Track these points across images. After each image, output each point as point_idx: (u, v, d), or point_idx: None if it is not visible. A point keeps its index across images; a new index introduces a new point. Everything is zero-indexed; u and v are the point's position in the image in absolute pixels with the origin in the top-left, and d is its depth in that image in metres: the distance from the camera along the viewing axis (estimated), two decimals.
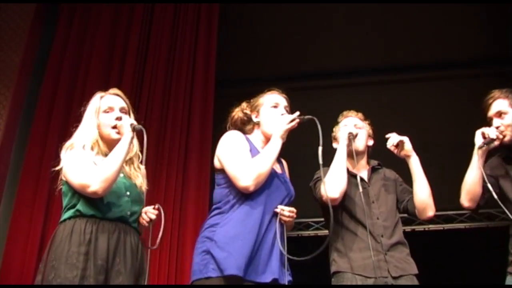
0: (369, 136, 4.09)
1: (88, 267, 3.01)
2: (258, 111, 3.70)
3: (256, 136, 3.68)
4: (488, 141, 3.64)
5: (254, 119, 3.70)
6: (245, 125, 3.76)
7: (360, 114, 4.14)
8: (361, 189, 3.83)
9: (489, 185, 3.55)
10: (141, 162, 3.42)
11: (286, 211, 3.40)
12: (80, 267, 3.00)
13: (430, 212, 3.81)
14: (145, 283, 3.24)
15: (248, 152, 3.47)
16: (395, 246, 3.74)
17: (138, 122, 3.33)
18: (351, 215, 3.81)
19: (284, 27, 7.01)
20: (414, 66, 7.53)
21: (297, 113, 3.50)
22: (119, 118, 3.36)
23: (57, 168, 3.31)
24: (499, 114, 3.73)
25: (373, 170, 4.02)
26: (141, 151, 3.43)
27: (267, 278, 3.27)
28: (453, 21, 6.99)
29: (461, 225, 8.27)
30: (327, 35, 7.11)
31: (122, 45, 5.96)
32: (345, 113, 4.17)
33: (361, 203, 3.78)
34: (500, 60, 7.39)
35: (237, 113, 3.79)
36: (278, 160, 3.66)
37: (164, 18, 6.10)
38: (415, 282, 3.68)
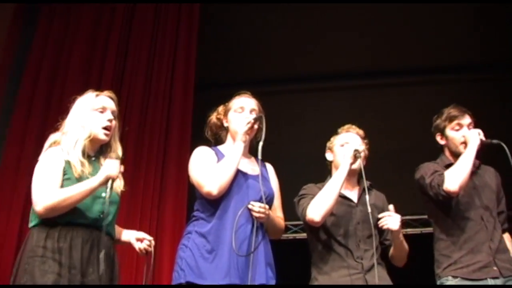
0: (364, 157, 3.96)
1: (62, 276, 3.00)
2: (227, 116, 3.73)
3: (229, 143, 3.69)
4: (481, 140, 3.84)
5: (225, 124, 3.74)
6: (220, 131, 3.81)
7: (361, 132, 4.03)
8: (348, 210, 3.82)
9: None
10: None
11: (256, 207, 3.41)
12: (55, 272, 2.99)
13: (400, 265, 3.90)
14: None
15: (214, 162, 3.52)
16: (375, 267, 3.68)
17: (122, 128, 3.39)
18: (334, 234, 3.76)
19: (267, 30, 7.01)
20: (397, 70, 7.56)
21: (253, 115, 3.56)
22: (110, 121, 3.35)
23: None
24: (469, 126, 3.96)
25: (363, 192, 3.89)
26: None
27: (251, 282, 3.29)
28: (438, 27, 7.02)
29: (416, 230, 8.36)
30: (309, 38, 7.12)
31: (102, 46, 5.93)
32: (346, 127, 4.05)
33: (346, 224, 3.78)
34: (482, 66, 7.46)
35: (212, 118, 3.83)
36: (262, 163, 3.66)
37: (145, 18, 6.07)
38: None
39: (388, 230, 3.78)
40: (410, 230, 8.21)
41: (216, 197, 3.39)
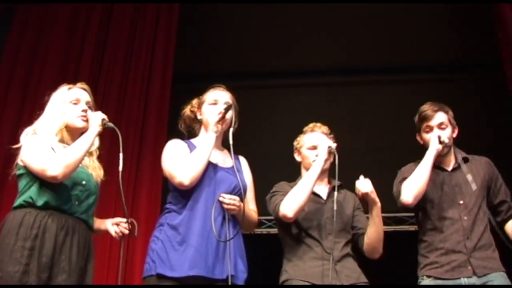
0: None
1: (31, 263, 3.02)
2: (200, 109, 3.75)
3: (202, 136, 3.72)
4: (443, 142, 3.85)
5: (198, 117, 3.76)
6: (194, 123, 3.83)
7: (326, 130, 4.06)
8: (317, 206, 3.86)
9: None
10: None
11: (227, 199, 3.44)
12: (23, 263, 3.00)
13: (376, 255, 3.89)
14: (90, 282, 3.26)
15: (187, 154, 3.54)
16: (345, 258, 3.78)
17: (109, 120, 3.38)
18: (305, 229, 3.81)
19: (245, 26, 6.99)
20: (373, 68, 7.58)
21: (224, 106, 3.58)
22: (85, 111, 3.40)
23: (15, 146, 3.34)
24: (441, 126, 3.95)
25: (334, 189, 3.90)
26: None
27: (222, 275, 3.32)
28: (414, 26, 7.05)
29: (411, 227, 8.40)
30: (286, 35, 7.12)
31: (80, 38, 5.86)
32: (311, 125, 4.08)
33: (315, 218, 3.82)
34: (458, 66, 7.51)
35: (186, 111, 3.85)
36: (236, 156, 3.70)
37: (125, 13, 6.02)
38: None
39: (358, 220, 3.90)
40: (384, 228, 8.23)
41: (188, 187, 3.41)
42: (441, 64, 7.51)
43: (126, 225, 3.49)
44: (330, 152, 3.76)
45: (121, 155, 3.34)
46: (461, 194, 3.90)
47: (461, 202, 3.87)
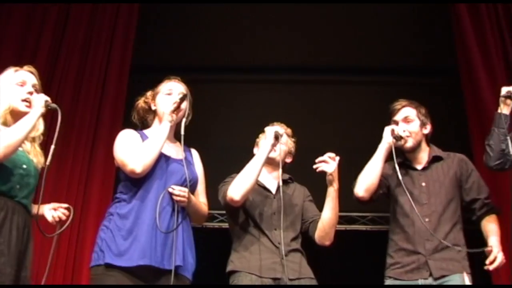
0: (289, 152, 4.08)
1: None
2: (155, 100, 3.75)
3: (155, 126, 3.72)
4: (397, 136, 3.91)
5: (153, 108, 3.76)
6: (147, 115, 3.82)
7: (289, 131, 4.10)
8: (266, 200, 3.91)
9: (399, 175, 3.78)
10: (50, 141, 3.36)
11: (176, 190, 3.44)
12: None
13: (328, 242, 3.92)
14: (29, 266, 3.24)
15: (139, 143, 3.54)
16: (293, 252, 3.82)
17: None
18: (254, 221, 3.85)
19: (206, 19, 6.95)
20: (332, 68, 7.60)
21: (180, 95, 3.58)
22: (30, 93, 3.38)
23: None
24: (406, 120, 4.02)
25: (283, 183, 4.00)
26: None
27: (170, 265, 3.30)
28: (383, 28, 7.06)
29: (362, 227, 8.48)
30: (250, 30, 7.10)
31: (39, 26, 5.72)
32: (274, 125, 4.10)
33: (264, 212, 3.87)
34: (426, 70, 7.58)
35: (140, 103, 3.84)
36: (187, 148, 3.75)
37: (84, 4, 5.91)
38: (314, 283, 3.79)
39: (309, 209, 3.95)
40: (349, 227, 8.31)
41: (140, 175, 3.41)
42: (405, 66, 7.56)
43: (64, 211, 3.49)
44: (276, 137, 3.78)
45: (52, 147, 3.28)
46: (427, 193, 3.95)
47: (426, 202, 3.91)
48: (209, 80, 7.49)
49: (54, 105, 3.33)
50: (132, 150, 3.46)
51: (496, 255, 3.71)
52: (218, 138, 7.66)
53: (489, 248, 3.76)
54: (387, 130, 3.95)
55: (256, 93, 7.60)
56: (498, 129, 3.82)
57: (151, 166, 3.42)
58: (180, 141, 3.55)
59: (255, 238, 3.81)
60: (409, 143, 4.00)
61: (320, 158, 3.76)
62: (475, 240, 3.93)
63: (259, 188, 3.94)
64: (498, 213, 4.02)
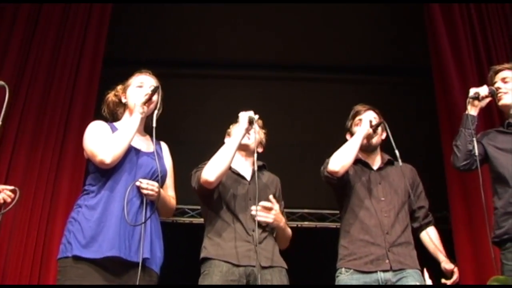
0: (260, 142, 4.11)
1: None
2: (125, 93, 3.74)
3: (126, 119, 3.71)
4: (373, 126, 4.05)
5: (123, 101, 3.74)
6: (117, 108, 3.80)
7: (259, 121, 4.11)
8: (240, 187, 3.91)
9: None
10: None
11: (144, 184, 3.43)
12: None
13: (282, 247, 3.98)
14: None
15: (109, 134, 3.53)
16: (266, 240, 3.83)
17: None
18: (228, 208, 3.85)
19: (181, 14, 6.92)
20: (306, 66, 7.62)
21: (152, 87, 3.58)
22: None
23: None
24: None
25: (258, 169, 3.99)
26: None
27: (138, 258, 3.30)
28: (357, 27, 7.11)
29: (332, 224, 8.52)
30: (224, 26, 7.10)
31: (10, 17, 5.66)
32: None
33: (238, 199, 3.87)
34: (394, 70, 7.63)
35: (110, 96, 3.82)
36: (157, 141, 3.72)
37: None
38: (284, 273, 3.80)
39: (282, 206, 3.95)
40: (306, 224, 8.34)
41: (110, 166, 3.39)
42: (378, 65, 7.60)
43: (9, 193, 3.48)
44: (250, 121, 3.79)
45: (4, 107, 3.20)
46: (383, 192, 4.04)
47: (383, 199, 4.00)
48: (182, 75, 7.48)
49: (1, 82, 3.27)
50: (102, 141, 3.44)
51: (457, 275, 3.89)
52: (190, 133, 7.63)
53: (451, 269, 3.90)
54: (367, 119, 4.07)
55: (229, 89, 7.60)
56: (466, 130, 3.87)
57: (120, 157, 3.41)
58: (150, 135, 3.55)
59: (229, 225, 3.81)
60: (375, 139, 4.13)
61: (262, 204, 3.78)
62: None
63: (233, 174, 3.95)
64: (433, 224, 4.19)
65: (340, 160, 3.91)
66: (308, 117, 7.80)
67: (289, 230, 4.00)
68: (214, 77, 7.52)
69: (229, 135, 4.10)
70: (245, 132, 3.80)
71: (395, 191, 4.06)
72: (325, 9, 6.82)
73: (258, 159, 4.05)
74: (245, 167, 4.02)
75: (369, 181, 4.06)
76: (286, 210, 4.13)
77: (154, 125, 3.48)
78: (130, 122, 3.52)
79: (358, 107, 4.23)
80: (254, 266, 3.65)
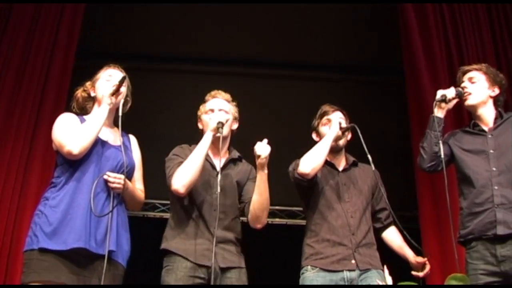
0: (234, 119, 4.09)
1: None
2: (94, 86, 3.74)
3: (95, 111, 3.70)
4: (343, 128, 4.10)
5: (92, 94, 3.75)
6: (86, 103, 3.81)
7: (227, 95, 4.13)
8: (210, 178, 3.89)
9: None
10: None
11: (111, 177, 3.44)
12: None
13: (259, 225, 3.95)
14: None
15: (77, 125, 3.54)
16: (227, 241, 3.83)
17: None
18: (195, 202, 3.84)
19: (159, 8, 6.87)
20: (280, 63, 7.63)
21: (120, 78, 3.60)
22: None
23: None
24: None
25: (231, 161, 4.03)
26: None
27: (104, 250, 3.31)
28: (328, 25, 7.12)
29: (303, 222, 8.53)
30: (199, 21, 7.07)
31: None
32: (213, 93, 4.14)
33: (206, 191, 3.86)
34: (368, 69, 7.66)
35: (79, 92, 3.83)
36: (126, 134, 3.76)
37: None
38: (244, 273, 3.82)
39: (248, 190, 3.93)
40: (276, 220, 8.35)
41: (77, 157, 3.40)
42: (353, 64, 7.63)
43: None
44: (217, 129, 3.78)
45: None
46: (348, 193, 4.09)
47: (348, 200, 4.05)
48: (158, 69, 7.47)
49: None
50: (70, 132, 3.45)
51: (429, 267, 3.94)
52: (165, 128, 7.60)
53: (423, 261, 3.95)
54: (336, 121, 4.09)
55: (205, 84, 7.54)
56: (432, 132, 3.94)
57: (88, 148, 3.42)
58: (118, 127, 3.56)
59: (193, 222, 3.80)
60: (343, 142, 4.18)
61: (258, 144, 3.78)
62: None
63: (206, 163, 3.89)
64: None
65: (311, 163, 3.94)
66: (284, 115, 7.80)
67: (268, 197, 3.88)
68: (190, 72, 7.50)
69: (199, 118, 4.08)
70: (212, 138, 3.80)
71: (359, 192, 4.11)
72: (302, 8, 6.83)
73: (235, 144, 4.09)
74: (219, 155, 3.85)
75: (335, 183, 4.10)
76: None
77: (120, 113, 3.52)
78: (98, 113, 3.54)
79: (326, 107, 4.25)
80: (210, 267, 3.60)
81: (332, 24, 7.10)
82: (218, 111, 3.98)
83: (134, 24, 7.06)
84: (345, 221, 3.96)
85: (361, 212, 4.04)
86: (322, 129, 4.18)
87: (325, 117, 4.20)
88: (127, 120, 3.65)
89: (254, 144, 3.79)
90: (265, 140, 3.78)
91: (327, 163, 4.13)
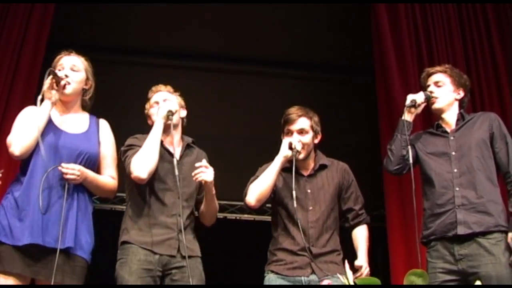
0: (181, 106, 4.08)
1: None
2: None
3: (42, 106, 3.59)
4: (294, 149, 3.94)
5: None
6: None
7: (169, 87, 4.12)
8: (171, 166, 3.80)
9: (293, 185, 3.85)
10: None
11: (64, 168, 3.40)
12: None
13: (208, 224, 4.05)
14: None
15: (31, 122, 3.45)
16: (188, 228, 3.85)
17: None
18: (155, 190, 3.82)
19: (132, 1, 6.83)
20: (250, 59, 7.60)
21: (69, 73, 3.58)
22: None
23: None
24: (301, 131, 4.05)
25: (187, 147, 4.02)
26: None
27: (62, 244, 3.31)
28: (301, 23, 7.13)
29: (268, 218, 8.54)
30: (169, 15, 7.03)
31: None
32: (154, 88, 4.14)
33: (166, 179, 3.83)
34: (338, 67, 7.67)
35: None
36: (95, 119, 3.74)
37: None
38: (199, 262, 3.83)
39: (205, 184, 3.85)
40: (245, 216, 8.33)
41: (20, 158, 3.42)
42: (322, 63, 7.63)
43: None
44: (168, 117, 3.80)
45: None
46: (312, 200, 4.05)
47: (311, 208, 4.02)
48: (127, 62, 7.40)
49: None
50: (17, 131, 3.43)
51: (362, 272, 3.90)
52: (134, 121, 7.56)
53: (358, 265, 3.94)
54: (286, 143, 3.99)
55: (172, 79, 7.51)
56: (401, 135, 3.97)
57: (30, 147, 3.39)
58: (89, 113, 3.61)
59: (152, 210, 3.76)
60: (302, 155, 4.02)
61: (197, 170, 3.75)
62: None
63: (164, 151, 3.88)
64: (368, 222, 4.22)
65: (256, 195, 3.93)
66: (252, 111, 7.79)
67: (217, 203, 3.97)
68: (158, 66, 7.44)
69: (147, 116, 4.08)
70: (163, 126, 3.80)
71: (324, 198, 4.06)
72: (273, 6, 6.81)
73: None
74: (176, 144, 3.89)
75: (297, 190, 3.99)
76: (226, 202, 4.13)
77: (85, 97, 3.61)
78: (40, 111, 3.45)
79: (291, 113, 4.09)
80: (172, 256, 3.64)
81: (305, 22, 7.09)
82: (163, 101, 3.96)
83: (107, 16, 6.99)
84: (304, 231, 3.92)
85: (324, 219, 4.01)
86: (284, 138, 4.08)
87: (286, 127, 4.07)
88: (95, 112, 3.63)
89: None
90: (205, 163, 3.77)
91: (291, 169, 4.00)
